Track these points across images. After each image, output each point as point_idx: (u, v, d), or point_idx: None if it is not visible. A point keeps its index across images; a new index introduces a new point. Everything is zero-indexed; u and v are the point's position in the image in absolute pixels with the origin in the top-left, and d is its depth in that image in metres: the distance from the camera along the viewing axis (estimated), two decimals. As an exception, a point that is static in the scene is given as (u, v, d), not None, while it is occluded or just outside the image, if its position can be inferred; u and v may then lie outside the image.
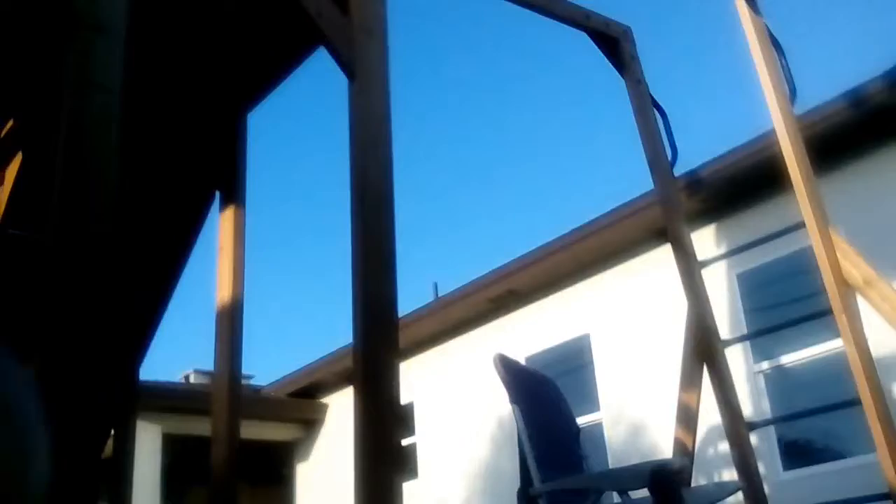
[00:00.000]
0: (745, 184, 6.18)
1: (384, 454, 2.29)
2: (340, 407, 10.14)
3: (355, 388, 2.44)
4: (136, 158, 3.62)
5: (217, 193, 3.91)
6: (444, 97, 21.86)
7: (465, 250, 22.83)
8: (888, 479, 3.55)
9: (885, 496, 3.58)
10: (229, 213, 3.77)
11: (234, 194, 3.78)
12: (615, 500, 2.81)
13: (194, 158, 4.08)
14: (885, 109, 5.49)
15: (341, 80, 2.73)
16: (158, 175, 4.06)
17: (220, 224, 3.79)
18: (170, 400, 9.12)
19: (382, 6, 2.82)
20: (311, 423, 10.78)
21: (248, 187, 3.83)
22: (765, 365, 6.21)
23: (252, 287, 3.73)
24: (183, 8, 3.33)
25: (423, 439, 8.94)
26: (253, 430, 9.90)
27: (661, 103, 4.71)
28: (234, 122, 3.87)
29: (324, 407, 10.66)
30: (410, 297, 11.67)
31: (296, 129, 20.61)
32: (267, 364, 26.68)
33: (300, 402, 10.82)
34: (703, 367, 4.29)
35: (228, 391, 3.57)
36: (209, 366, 3.77)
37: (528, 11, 4.38)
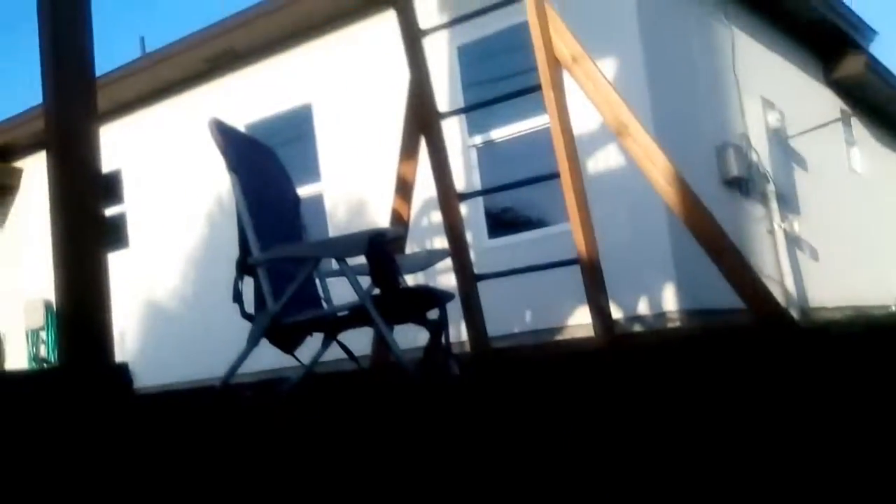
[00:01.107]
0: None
1: (83, 224, 2.11)
2: (37, 172, 9.31)
3: (48, 151, 2.20)
4: None
5: None
6: None
7: (179, 4, 21.03)
8: (577, 246, 3.92)
9: (574, 261, 3.96)
10: None
11: None
12: (334, 268, 2.85)
13: None
14: None
15: None
16: None
17: None
18: None
19: None
20: (4, 189, 9.86)
21: None
22: (478, 139, 6.47)
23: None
24: None
25: (133, 208, 8.52)
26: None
27: None
28: None
29: (17, 172, 9.75)
30: (113, 51, 10.69)
31: None
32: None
33: (-12, 166, 9.81)
34: (420, 139, 4.37)
35: None
36: None
37: None
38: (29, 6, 2.20)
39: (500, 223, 6.49)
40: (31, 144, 9.12)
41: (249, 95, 7.61)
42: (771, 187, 7.16)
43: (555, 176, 3.99)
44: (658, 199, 3.91)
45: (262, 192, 2.91)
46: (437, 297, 3.02)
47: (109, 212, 6.71)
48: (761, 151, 7.20)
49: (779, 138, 7.70)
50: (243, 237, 2.73)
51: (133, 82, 8.04)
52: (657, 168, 3.72)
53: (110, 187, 8.00)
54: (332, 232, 6.99)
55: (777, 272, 7.02)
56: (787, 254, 7.13)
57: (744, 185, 6.81)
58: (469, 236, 4.61)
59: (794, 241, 7.35)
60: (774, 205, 7.17)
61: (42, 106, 2.23)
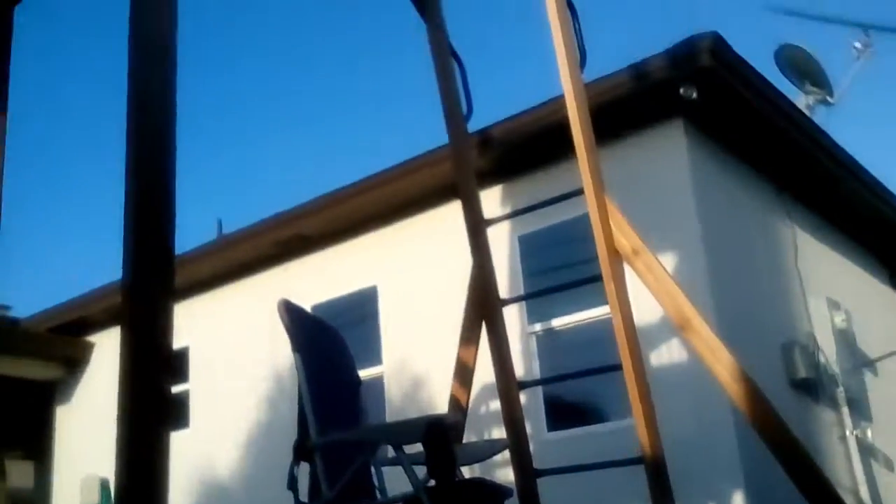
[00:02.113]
0: (534, 146, 6.34)
1: (151, 402, 2.14)
2: (108, 347, 9.55)
3: (123, 328, 2.26)
4: None
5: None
6: (246, 25, 20.90)
7: (254, 189, 22.12)
8: (640, 443, 3.80)
9: (639, 460, 3.82)
10: (-13, 121, 3.37)
11: (-7, 100, 3.38)
12: (391, 454, 2.81)
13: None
14: (664, 85, 5.80)
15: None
16: None
17: (-24, 132, 3.38)
18: None
19: None
20: (74, 362, 10.08)
21: (13, 92, 3.42)
22: (538, 327, 6.48)
23: (13, 206, 3.36)
24: None
25: (198, 386, 8.61)
26: (7, 366, 9.17)
27: (459, 54, 4.63)
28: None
29: (89, 346, 10.00)
30: (191, 232, 11.16)
31: (74, 32, 18.83)
32: (28, 295, 24.67)
33: (63, 340, 10.06)
34: (481, 325, 4.39)
35: (-23, 323, 3.22)
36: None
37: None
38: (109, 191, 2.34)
39: (561, 415, 6.36)
40: (104, 320, 9.41)
41: (317, 277, 7.81)
42: (840, 391, 6.90)
43: (617, 368, 3.94)
44: (723, 397, 3.82)
45: (325, 374, 2.93)
46: (494, 493, 2.92)
47: (174, 389, 6.77)
48: (829, 353, 7.02)
49: (846, 340, 7.50)
50: (303, 419, 2.73)
51: (207, 262, 8.34)
52: (722, 364, 3.66)
53: (178, 365, 8.13)
54: (390, 416, 6.92)
55: (851, 481, 6.64)
56: (860, 462, 6.75)
57: (812, 387, 6.58)
58: (528, 427, 4.52)
59: (867, 450, 6.99)
60: (845, 409, 6.88)
61: (118, 283, 2.32)
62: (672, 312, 3.86)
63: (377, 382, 7.16)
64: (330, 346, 3.18)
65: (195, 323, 8.40)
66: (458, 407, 4.21)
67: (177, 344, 2.30)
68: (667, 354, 5.59)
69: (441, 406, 4.91)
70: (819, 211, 7.78)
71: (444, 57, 4.51)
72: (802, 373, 6.34)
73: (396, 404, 7.03)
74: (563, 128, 4.25)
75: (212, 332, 8.56)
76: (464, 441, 4.22)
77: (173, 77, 2.42)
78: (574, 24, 4.26)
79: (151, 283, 2.26)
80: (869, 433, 7.04)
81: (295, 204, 7.70)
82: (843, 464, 6.71)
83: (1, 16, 3.42)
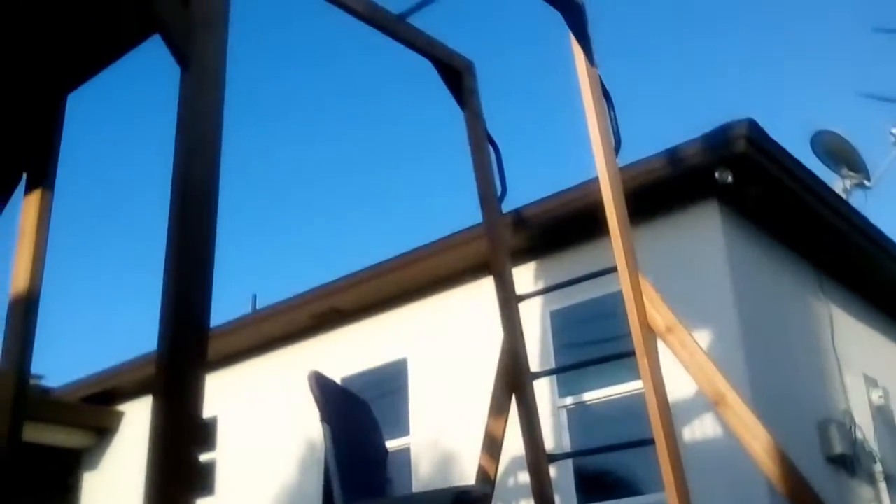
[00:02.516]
0: (567, 226, 6.41)
1: (179, 470, 2.16)
2: (137, 416, 9.61)
3: (155, 398, 2.30)
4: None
5: (24, 175, 3.62)
6: (280, 104, 21.45)
7: (289, 264, 22.39)
8: (673, 519, 3.74)
9: (671, 537, 3.75)
10: (35, 196, 3.49)
11: (43, 178, 3.51)
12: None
13: (1, 137, 3.75)
14: (699, 170, 5.87)
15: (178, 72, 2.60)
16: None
17: (24, 208, 3.50)
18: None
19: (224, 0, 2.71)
20: (103, 431, 10.15)
21: (60, 172, 3.57)
22: (569, 400, 6.43)
23: (52, 279, 3.47)
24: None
25: (225, 456, 8.61)
26: (39, 434, 9.24)
27: (495, 139, 4.82)
28: (50, 102, 3.59)
29: (119, 415, 10.08)
30: (227, 306, 11.30)
31: (123, 117, 19.49)
32: (61, 365, 24.93)
33: (93, 409, 10.17)
34: (511, 398, 4.38)
35: (14, 389, 3.28)
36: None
37: (378, 33, 4.39)
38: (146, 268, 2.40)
39: (591, 488, 6.25)
40: (134, 390, 9.50)
41: (348, 350, 7.84)
42: (878, 467, 6.75)
43: (649, 442, 3.90)
44: (758, 473, 3.75)
45: (352, 444, 2.94)
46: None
47: (202, 458, 6.79)
48: (866, 429, 6.88)
49: (884, 416, 7.36)
50: (328, 489, 2.73)
51: (241, 336, 8.42)
52: (757, 440, 3.61)
53: (206, 434, 8.15)
54: (416, 487, 6.86)
55: (891, 563, 6.44)
56: (900, 542, 6.57)
57: (849, 463, 6.44)
58: (558, 500, 4.46)
59: (907, 528, 6.79)
60: (883, 485, 6.72)
61: (148, 354, 2.38)
62: (706, 388, 3.84)
63: (405, 453, 7.12)
64: (358, 418, 3.19)
65: (225, 393, 8.44)
66: (486, 479, 4.18)
67: (206, 413, 2.33)
68: (700, 430, 5.51)
69: (468, 478, 4.86)
70: (855, 289, 7.71)
71: (481, 141, 4.67)
72: (839, 449, 6.22)
73: (423, 475, 6.97)
74: (596, 209, 4.33)
75: (241, 402, 8.60)
76: (492, 516, 4.17)
77: (217, 160, 2.52)
78: (610, 112, 4.40)
79: (185, 355, 2.31)
80: (908, 512, 6.84)
81: (330, 279, 7.79)
82: (883, 545, 6.50)
83: (54, 102, 3.59)
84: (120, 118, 18.99)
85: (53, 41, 3.41)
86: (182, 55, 2.56)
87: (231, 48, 2.66)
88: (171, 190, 2.45)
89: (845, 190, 8.34)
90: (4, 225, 3.83)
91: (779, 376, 6.12)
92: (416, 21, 4.56)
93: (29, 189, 3.55)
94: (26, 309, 3.35)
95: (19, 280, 3.39)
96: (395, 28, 4.45)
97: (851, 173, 8.50)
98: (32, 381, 9.11)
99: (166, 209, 2.44)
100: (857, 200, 8.22)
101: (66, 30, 3.36)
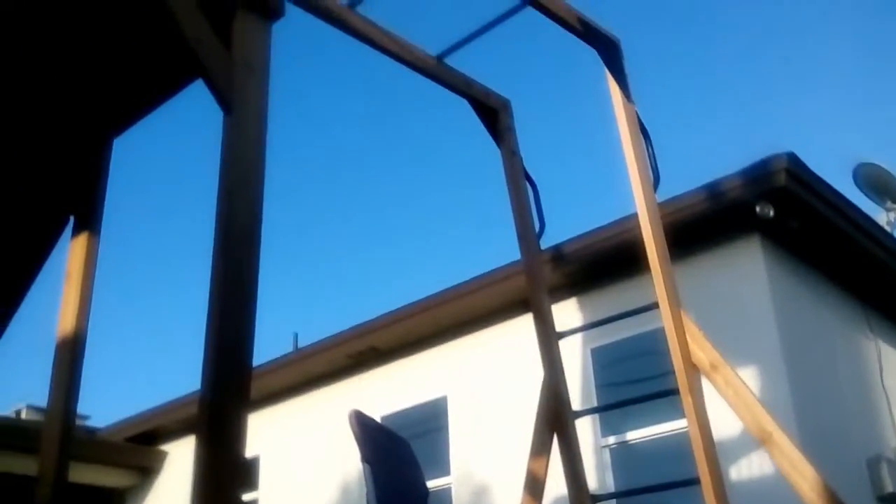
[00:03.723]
0: (606, 262, 6.38)
1: (222, 509, 2.17)
2: (180, 456, 9.66)
3: (198, 437, 2.31)
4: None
5: (71, 218, 3.70)
6: (322, 148, 21.74)
7: (330, 304, 22.53)
8: (721, 560, 3.66)
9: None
10: (82, 240, 3.56)
11: (89, 221, 3.58)
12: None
13: (49, 180, 3.85)
14: (740, 204, 5.82)
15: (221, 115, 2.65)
16: (6, 195, 3.80)
17: (71, 250, 3.57)
18: (-6, 435, 8.46)
19: (266, 44, 2.77)
20: (147, 470, 10.22)
21: (106, 215, 3.64)
22: (611, 439, 6.34)
23: (98, 320, 3.52)
24: (51, 26, 3.17)
25: (267, 495, 8.61)
26: (84, 474, 9.31)
27: (532, 176, 4.84)
28: (96, 146, 3.68)
29: (162, 455, 10.15)
30: (269, 345, 11.37)
31: (167, 160, 19.92)
32: (106, 405, 25.28)
33: (137, 448, 10.26)
34: (553, 437, 4.34)
35: (61, 430, 3.32)
36: (44, 402, 3.51)
37: (415, 74, 4.45)
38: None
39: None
40: (178, 430, 9.57)
41: (388, 388, 7.83)
42: (933, 507, 6.55)
43: (695, 482, 3.84)
44: (808, 514, 3.65)
45: (393, 484, 2.93)
46: None
47: (245, 498, 6.80)
48: (919, 468, 6.69)
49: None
50: (371, 530, 2.71)
51: (282, 375, 8.45)
52: (805, 479, 3.53)
53: (248, 473, 8.17)
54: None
55: None
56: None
57: (902, 503, 6.27)
58: (602, 543, 4.38)
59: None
60: (940, 525, 6.51)
61: (191, 394, 2.40)
62: (752, 426, 3.78)
63: (446, 492, 7.06)
64: (399, 456, 3.18)
65: (267, 432, 8.46)
66: (529, 521, 4.12)
67: (248, 453, 2.33)
68: (747, 469, 5.40)
69: (512, 521, 4.80)
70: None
71: (518, 178, 4.70)
72: (890, 487, 6.06)
73: (465, 517, 6.90)
74: (636, 245, 4.31)
75: (283, 441, 8.61)
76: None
77: (260, 201, 2.56)
78: (648, 148, 4.41)
79: (229, 395, 2.32)
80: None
81: (369, 318, 7.81)
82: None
83: (100, 146, 3.67)
84: (166, 160, 19.40)
85: (99, 85, 3.51)
86: (224, 99, 2.61)
87: (273, 90, 2.71)
88: (215, 231, 2.49)
89: (889, 223, 8.21)
90: (52, 268, 3.91)
91: (826, 413, 5.99)
92: (452, 59, 4.61)
93: (76, 232, 3.62)
94: (72, 351, 3.41)
95: (66, 322, 3.45)
96: (433, 69, 4.51)
97: (895, 206, 8.38)
98: (78, 422, 9.23)
99: (211, 249, 2.48)
100: (903, 233, 8.08)
101: (111, 74, 3.45)
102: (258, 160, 2.60)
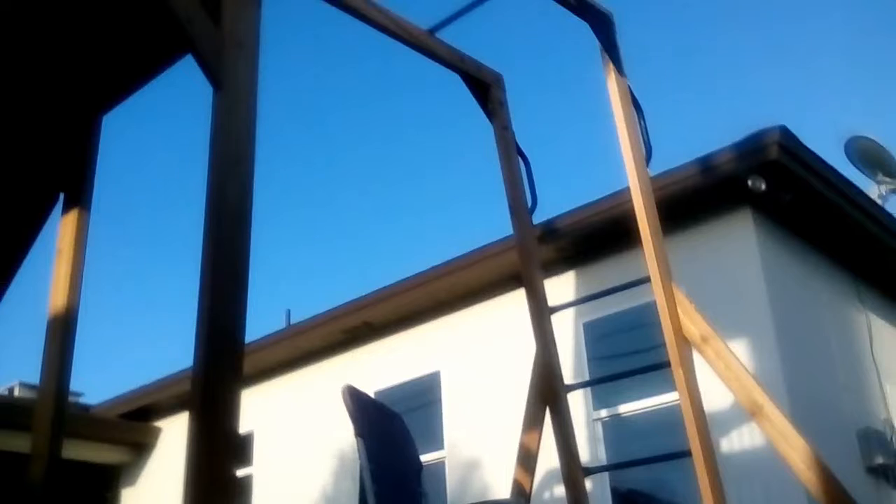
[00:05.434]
0: (598, 236, 6.39)
1: (216, 485, 2.18)
2: (174, 432, 9.70)
3: (191, 413, 2.32)
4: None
5: (61, 195, 3.68)
6: (316, 126, 21.63)
7: (322, 280, 22.51)
8: (711, 531, 3.70)
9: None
10: (72, 216, 3.55)
11: (79, 197, 3.57)
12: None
13: (38, 157, 3.82)
14: (731, 178, 5.82)
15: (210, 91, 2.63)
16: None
17: (61, 227, 3.56)
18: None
19: (256, 20, 2.75)
20: (141, 446, 10.26)
21: (96, 191, 3.63)
22: (603, 413, 6.38)
23: (89, 298, 3.52)
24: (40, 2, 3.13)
25: (261, 470, 8.65)
26: (78, 451, 9.34)
27: (524, 151, 4.82)
28: (85, 123, 3.66)
29: (156, 431, 10.18)
30: (261, 322, 11.37)
31: (157, 136, 19.80)
32: (99, 382, 25.31)
33: (130, 425, 10.29)
34: (545, 410, 4.36)
35: (53, 407, 3.33)
36: (37, 379, 3.51)
37: (407, 49, 4.42)
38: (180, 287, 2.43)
39: (628, 501, 6.20)
40: (171, 406, 9.60)
41: (381, 363, 7.86)
42: (921, 477, 6.63)
43: (686, 454, 3.87)
44: (797, 484, 3.70)
45: (387, 458, 2.94)
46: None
47: (239, 473, 6.83)
48: (908, 439, 6.76)
49: (926, 426, 7.23)
50: (363, 502, 2.73)
51: (275, 351, 8.47)
52: (795, 450, 3.56)
53: (242, 449, 8.20)
54: (451, 501, 6.84)
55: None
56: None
57: (890, 474, 6.32)
58: (594, 515, 4.42)
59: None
60: (926, 497, 6.59)
61: (185, 371, 2.41)
62: (743, 399, 3.80)
63: (438, 467, 7.10)
64: (392, 431, 3.19)
65: (260, 408, 8.49)
66: (522, 492, 4.16)
67: (242, 429, 2.34)
68: (737, 441, 5.44)
69: (503, 491, 4.84)
70: (893, 296, 7.59)
71: (510, 153, 4.68)
72: (880, 459, 6.12)
73: (457, 489, 6.95)
74: (627, 219, 4.31)
75: (277, 417, 8.64)
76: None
77: (251, 177, 2.55)
78: (640, 122, 4.39)
79: (221, 371, 2.33)
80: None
81: (362, 293, 7.82)
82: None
83: (89, 123, 3.65)
84: (155, 137, 19.29)
85: (88, 62, 3.48)
86: (215, 75, 2.59)
87: (262, 66, 2.69)
88: (206, 207, 2.48)
89: (881, 196, 8.22)
90: (42, 245, 3.90)
91: (817, 386, 6.03)
92: (444, 33, 4.58)
93: (65, 209, 3.61)
94: (64, 328, 3.40)
95: (57, 299, 3.44)
96: (425, 43, 4.47)
97: (887, 179, 8.38)
98: (71, 399, 9.26)
99: (201, 226, 2.47)
100: (894, 206, 8.11)
101: (100, 51, 3.42)
102: (249, 137, 2.59)
